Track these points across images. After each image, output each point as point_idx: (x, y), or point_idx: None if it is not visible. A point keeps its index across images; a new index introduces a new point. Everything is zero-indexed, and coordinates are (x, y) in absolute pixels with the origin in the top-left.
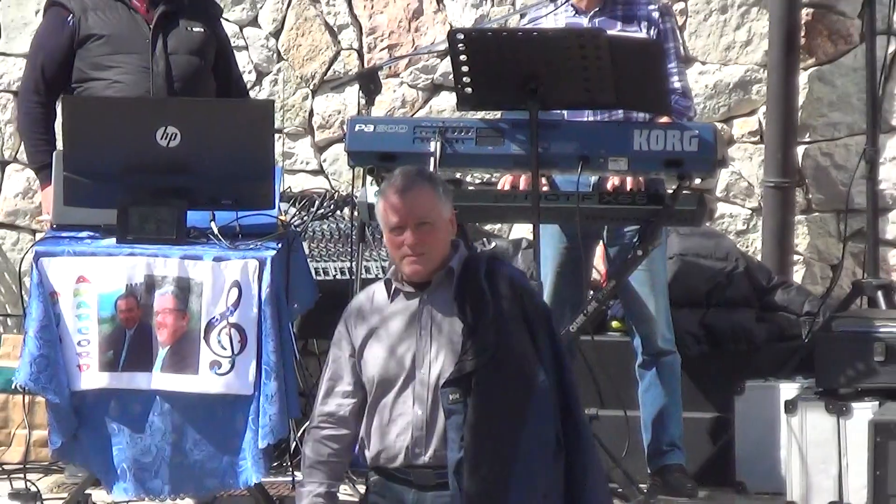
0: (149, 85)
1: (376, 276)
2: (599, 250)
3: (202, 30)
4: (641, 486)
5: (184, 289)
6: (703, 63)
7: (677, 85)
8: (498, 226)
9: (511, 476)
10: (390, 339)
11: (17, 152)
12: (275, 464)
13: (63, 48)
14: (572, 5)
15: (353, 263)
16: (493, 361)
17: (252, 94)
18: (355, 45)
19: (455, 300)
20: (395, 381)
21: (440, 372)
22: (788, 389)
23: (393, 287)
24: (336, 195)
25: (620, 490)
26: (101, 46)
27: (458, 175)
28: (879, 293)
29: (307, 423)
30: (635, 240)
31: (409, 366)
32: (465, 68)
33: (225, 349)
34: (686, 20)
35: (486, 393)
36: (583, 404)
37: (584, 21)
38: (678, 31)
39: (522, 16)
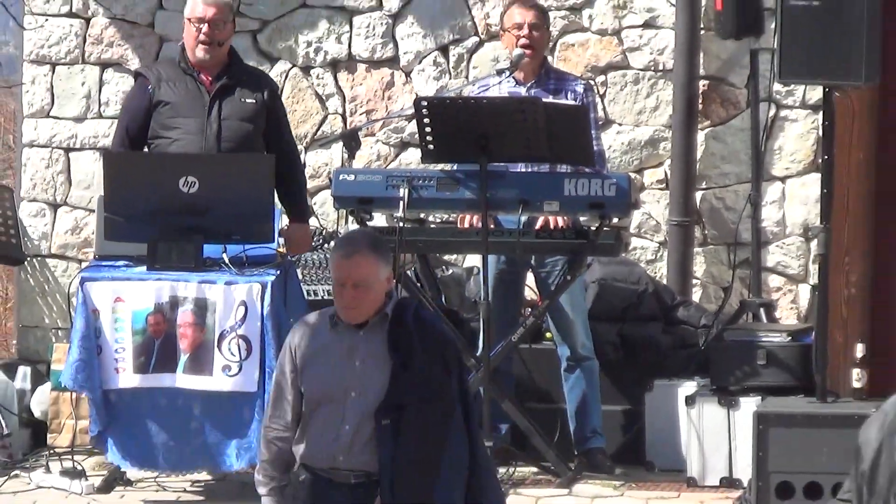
0: (203, 144)
1: None
2: (530, 275)
3: (254, 101)
4: (570, 465)
5: (201, 307)
6: (620, 125)
7: (598, 149)
8: (455, 256)
9: (435, 491)
10: (330, 364)
11: (67, 196)
12: None
13: (142, 110)
14: (514, 78)
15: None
16: (421, 396)
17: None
18: (339, 111)
19: (388, 340)
20: (329, 400)
21: (370, 399)
22: (688, 387)
23: (335, 320)
24: (324, 231)
25: (553, 468)
26: (168, 111)
27: (422, 215)
28: (762, 310)
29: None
30: (565, 267)
31: (343, 389)
32: (427, 129)
33: (234, 355)
34: (606, 90)
35: (416, 422)
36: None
37: (522, 91)
38: (598, 103)
39: (473, 86)
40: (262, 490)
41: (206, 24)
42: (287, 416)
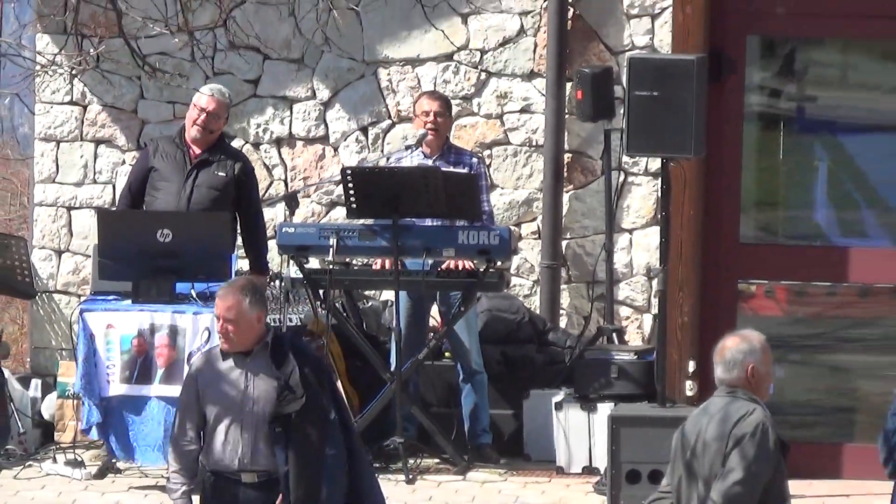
0: (177, 204)
1: (297, 323)
2: (434, 307)
3: (225, 174)
4: (465, 456)
5: (174, 332)
6: (503, 188)
7: (486, 208)
8: (373, 291)
9: (323, 484)
10: (227, 387)
11: (68, 245)
12: None
13: (142, 172)
14: (423, 152)
15: (281, 315)
16: (304, 406)
17: None
18: (282, 178)
19: (271, 363)
20: (228, 415)
21: (261, 411)
22: (557, 395)
23: (223, 352)
24: (270, 272)
25: (451, 459)
26: (157, 175)
27: (347, 259)
28: (614, 334)
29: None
30: (459, 299)
31: (240, 405)
32: (351, 192)
33: None
34: (492, 161)
35: (303, 427)
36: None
37: (429, 162)
38: (487, 173)
39: (388, 158)
40: (174, 495)
41: (206, 114)
42: (192, 433)
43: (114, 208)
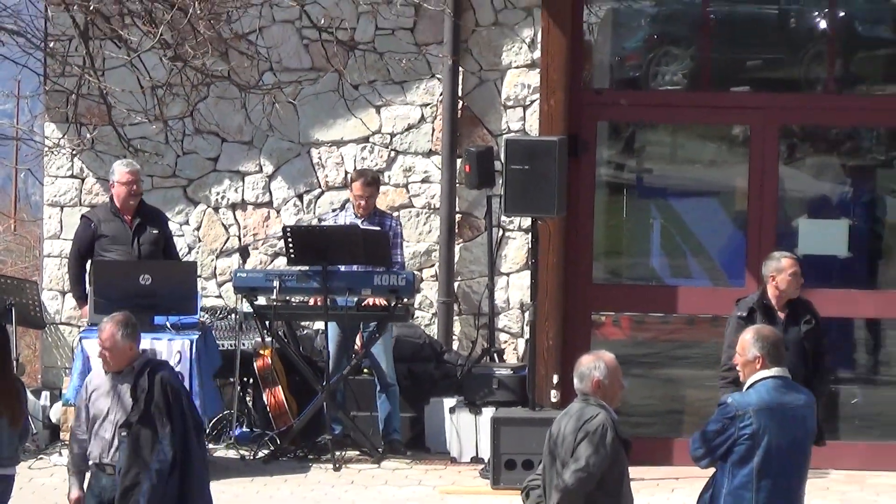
0: (130, 259)
1: (250, 348)
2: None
3: (157, 231)
4: (379, 449)
5: (152, 355)
6: (408, 241)
7: (399, 259)
8: (308, 322)
9: (147, 478)
10: (102, 396)
11: (67, 289)
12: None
13: (89, 240)
14: (354, 213)
15: (237, 342)
16: (141, 417)
17: (189, 257)
18: (237, 234)
19: (132, 382)
20: (100, 418)
21: (120, 418)
22: (451, 402)
23: (106, 371)
24: (228, 307)
25: (369, 452)
26: (107, 241)
27: (287, 298)
28: (495, 355)
29: (226, 411)
30: (375, 328)
31: (106, 411)
32: (290, 245)
33: None
34: (408, 221)
35: (138, 432)
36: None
37: (358, 221)
38: (402, 231)
39: (322, 220)
40: (70, 476)
41: (134, 185)
42: (84, 427)
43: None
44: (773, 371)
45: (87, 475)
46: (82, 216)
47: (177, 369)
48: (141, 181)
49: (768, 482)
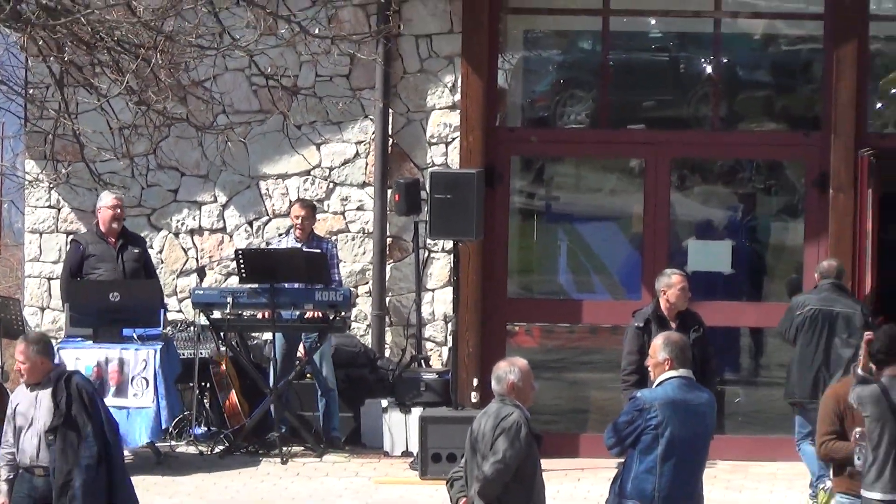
0: (116, 276)
1: (207, 356)
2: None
3: (138, 251)
4: (322, 445)
5: (121, 362)
6: (344, 262)
7: (337, 277)
8: (258, 333)
9: (79, 473)
10: (26, 406)
11: (49, 303)
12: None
13: (78, 260)
14: (296, 237)
15: (195, 351)
16: (64, 421)
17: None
18: (195, 257)
19: (51, 392)
20: (25, 426)
21: (43, 424)
22: (384, 403)
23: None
24: (187, 321)
25: (312, 447)
26: (94, 260)
27: (240, 312)
28: (422, 361)
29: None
30: (316, 338)
31: (31, 419)
32: (242, 265)
33: (139, 388)
34: (345, 244)
35: (66, 434)
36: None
37: (299, 245)
38: (338, 253)
39: (269, 243)
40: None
41: (119, 209)
42: (10, 439)
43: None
44: (679, 372)
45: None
46: (72, 240)
47: (143, 376)
48: (124, 208)
49: (670, 468)
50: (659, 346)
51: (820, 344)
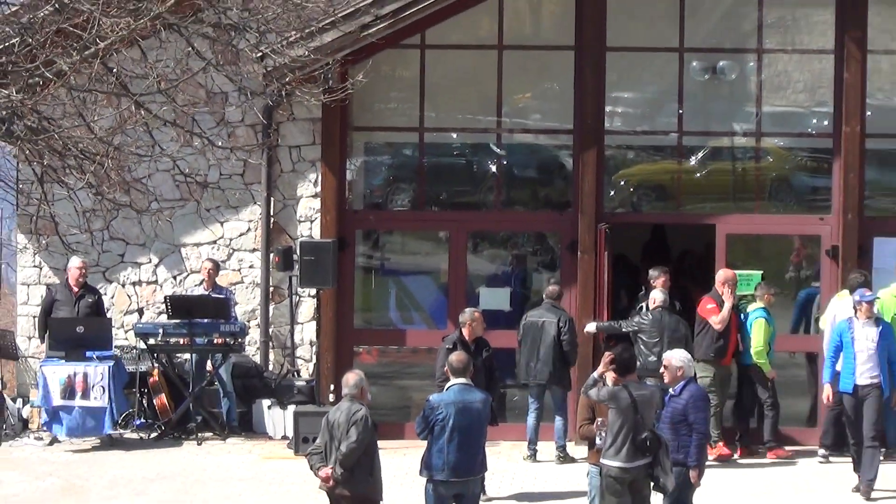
0: (72, 315)
1: (145, 371)
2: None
3: (92, 299)
4: (226, 432)
5: (86, 375)
6: (240, 304)
7: (234, 315)
8: (181, 355)
9: None
10: None
11: (33, 334)
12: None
13: (49, 304)
14: (205, 287)
15: (136, 366)
16: None
17: (108, 314)
18: (136, 301)
19: None
20: None
21: None
22: (268, 402)
23: None
24: (131, 345)
25: (219, 433)
26: (59, 304)
27: (168, 339)
28: (295, 373)
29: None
30: (221, 358)
31: None
32: (169, 307)
33: (98, 393)
34: (236, 292)
35: None
36: None
37: (209, 292)
38: (234, 297)
39: (187, 291)
40: None
41: (83, 270)
42: None
43: (55, 316)
44: (460, 380)
45: None
46: (47, 287)
47: (100, 384)
48: (86, 270)
49: (453, 448)
50: (450, 362)
51: (536, 341)
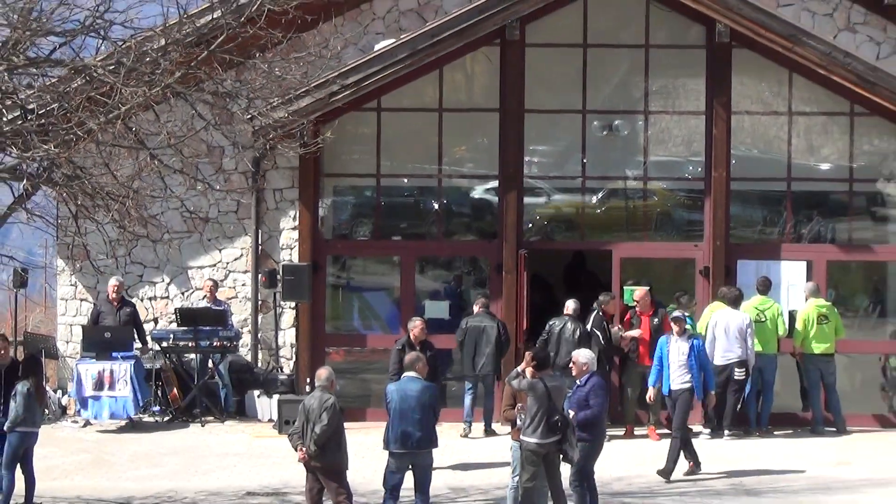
0: (115, 324)
1: (160, 368)
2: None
3: (129, 310)
4: (224, 415)
5: (112, 370)
6: (235, 315)
7: (230, 323)
8: (189, 355)
9: None
10: None
11: (72, 338)
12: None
13: (96, 314)
14: (207, 301)
15: (153, 364)
16: None
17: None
18: (152, 313)
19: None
20: None
21: None
22: (258, 392)
23: None
24: (149, 347)
25: (218, 416)
26: (103, 314)
27: (178, 343)
28: (279, 369)
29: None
30: (220, 357)
31: None
32: (179, 317)
33: (122, 385)
34: (235, 305)
35: None
36: None
37: (210, 305)
38: (230, 309)
39: (193, 304)
40: None
41: (117, 287)
42: None
43: (102, 324)
44: (408, 374)
45: None
46: (94, 303)
47: (124, 378)
48: (123, 286)
49: (396, 426)
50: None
51: (479, 342)
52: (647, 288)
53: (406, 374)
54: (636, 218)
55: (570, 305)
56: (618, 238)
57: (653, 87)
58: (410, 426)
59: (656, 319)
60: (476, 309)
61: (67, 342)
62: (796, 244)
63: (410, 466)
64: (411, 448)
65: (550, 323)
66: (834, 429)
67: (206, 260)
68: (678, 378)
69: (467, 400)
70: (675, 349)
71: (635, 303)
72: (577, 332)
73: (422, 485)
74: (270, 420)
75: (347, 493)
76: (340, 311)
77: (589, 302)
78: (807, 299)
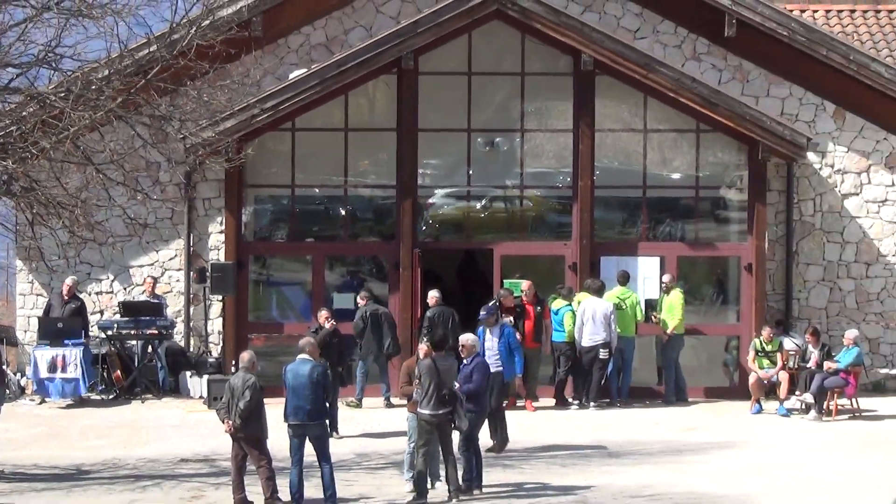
0: (62, 315)
1: (105, 353)
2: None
3: (75, 306)
4: (160, 394)
5: (64, 356)
6: (169, 307)
7: (166, 313)
8: (131, 341)
9: None
10: None
11: (28, 328)
12: (95, 386)
13: (48, 307)
14: (146, 295)
15: (100, 349)
16: None
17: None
18: (98, 306)
19: None
20: None
21: None
22: (190, 373)
23: None
24: (96, 336)
25: (155, 395)
26: (53, 308)
27: (122, 331)
28: (208, 353)
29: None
30: (157, 342)
31: None
32: (122, 309)
33: (73, 368)
34: (171, 298)
35: None
36: None
37: (149, 299)
38: (166, 301)
39: (135, 298)
40: None
41: (69, 286)
42: None
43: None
44: (301, 356)
45: None
46: (49, 298)
47: (75, 362)
48: (76, 285)
49: (291, 400)
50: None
51: (379, 327)
52: (530, 282)
53: (299, 356)
54: (514, 221)
55: (434, 295)
56: (499, 238)
57: (528, 109)
58: (302, 401)
59: (538, 308)
60: (361, 302)
61: (25, 332)
62: (651, 242)
63: (303, 435)
64: (303, 420)
65: (428, 315)
66: (683, 400)
67: (146, 260)
68: (492, 363)
69: (362, 374)
70: (489, 338)
71: (522, 293)
72: (452, 318)
73: (321, 452)
74: (201, 397)
75: (267, 458)
76: (261, 303)
77: (481, 295)
78: (669, 290)
